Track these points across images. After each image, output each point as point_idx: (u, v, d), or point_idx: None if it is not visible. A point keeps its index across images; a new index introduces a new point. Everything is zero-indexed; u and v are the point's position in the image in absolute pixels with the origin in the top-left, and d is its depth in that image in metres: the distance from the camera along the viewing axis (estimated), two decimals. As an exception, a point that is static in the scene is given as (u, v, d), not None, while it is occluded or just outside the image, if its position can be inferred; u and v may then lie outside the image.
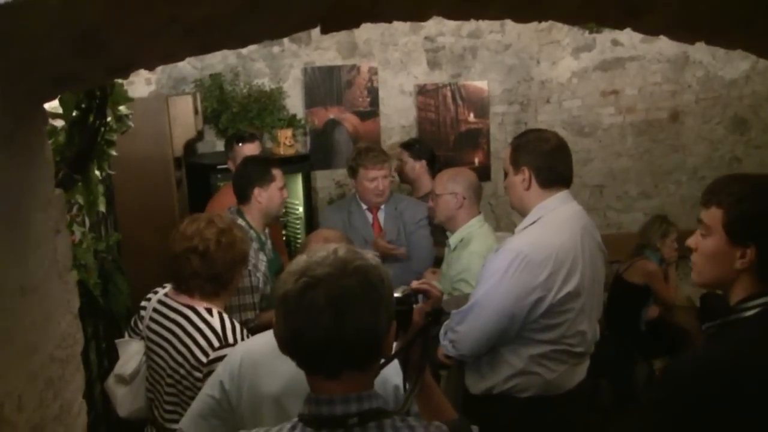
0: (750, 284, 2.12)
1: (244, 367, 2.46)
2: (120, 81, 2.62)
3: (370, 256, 1.79)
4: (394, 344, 2.00)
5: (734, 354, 2.05)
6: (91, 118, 2.48)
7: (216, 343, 2.85)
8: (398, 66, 6.83)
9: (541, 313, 3.07)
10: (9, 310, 1.75)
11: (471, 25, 6.72)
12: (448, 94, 6.92)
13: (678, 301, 6.26)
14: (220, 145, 6.16)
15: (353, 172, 4.96)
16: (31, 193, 1.92)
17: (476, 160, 7.03)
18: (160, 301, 3.11)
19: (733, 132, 7.38)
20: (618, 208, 7.41)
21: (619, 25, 2.18)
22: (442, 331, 3.25)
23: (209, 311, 2.96)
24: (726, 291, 2.19)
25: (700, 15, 1.96)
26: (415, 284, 2.25)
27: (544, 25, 6.80)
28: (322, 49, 6.64)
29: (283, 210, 4.86)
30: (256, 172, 4.24)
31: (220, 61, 6.36)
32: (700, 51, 7.08)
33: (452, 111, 6.95)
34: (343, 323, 1.65)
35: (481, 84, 6.95)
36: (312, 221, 6.18)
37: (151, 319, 3.09)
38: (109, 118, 2.59)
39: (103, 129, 2.55)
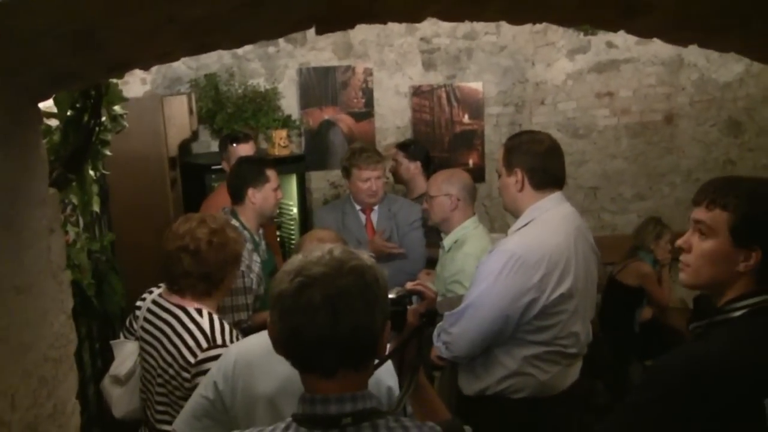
0: (744, 286, 2.12)
1: (238, 368, 2.45)
2: (115, 81, 2.61)
3: (366, 256, 1.79)
4: (388, 345, 2.00)
5: (722, 352, 2.05)
6: (86, 118, 2.48)
7: (204, 344, 2.85)
8: (393, 67, 6.83)
9: (535, 315, 3.07)
10: (3, 309, 1.75)
11: (466, 26, 6.73)
12: (443, 95, 6.93)
13: (671, 302, 6.27)
14: (214, 146, 6.15)
15: (347, 173, 4.96)
16: (26, 192, 1.92)
17: (471, 162, 7.04)
18: (153, 301, 3.11)
19: (727, 134, 7.40)
20: (612, 209, 7.43)
21: (613, 28, 2.19)
22: (435, 333, 3.25)
23: (199, 312, 2.97)
24: (718, 292, 2.19)
25: (693, 18, 1.97)
26: (409, 285, 2.26)
27: (539, 27, 6.82)
28: (318, 49, 6.65)
29: (278, 211, 4.86)
30: (250, 173, 4.24)
31: (215, 61, 6.36)
32: (694, 53, 7.11)
33: (447, 112, 6.96)
34: (339, 322, 1.65)
35: (476, 85, 6.96)
36: (306, 222, 6.18)
37: (145, 319, 3.09)
38: (103, 118, 2.59)
39: (97, 129, 2.55)
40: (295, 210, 6.23)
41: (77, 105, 2.45)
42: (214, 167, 5.50)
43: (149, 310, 3.09)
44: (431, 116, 6.95)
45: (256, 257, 4.12)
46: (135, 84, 6.14)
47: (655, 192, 7.44)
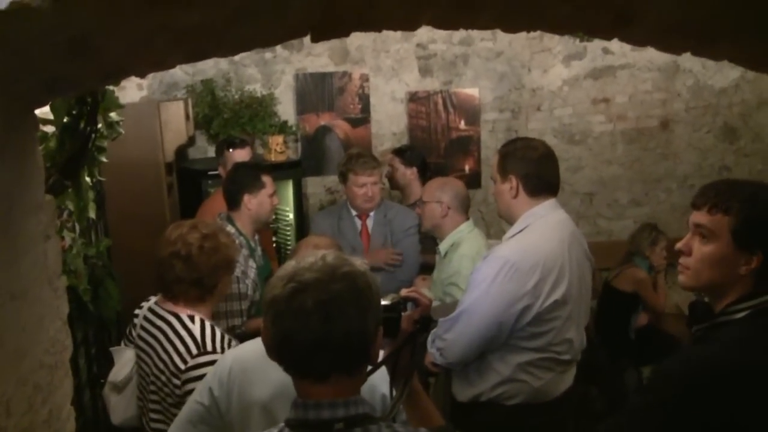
0: (744, 288, 2.15)
1: (233, 374, 2.46)
2: (111, 87, 2.62)
3: (359, 262, 1.80)
4: (382, 351, 2.01)
5: (726, 353, 2.07)
6: (82, 124, 2.49)
7: (194, 351, 2.86)
8: (390, 73, 6.85)
9: (529, 321, 3.08)
10: (-2, 316, 1.75)
11: (462, 32, 6.74)
12: (440, 101, 6.94)
13: (667, 308, 6.28)
14: (211, 151, 6.16)
15: (343, 178, 4.97)
16: (22, 198, 1.92)
17: (467, 167, 7.05)
18: (149, 309, 3.12)
19: (722, 140, 7.41)
20: (608, 215, 7.44)
21: (607, 36, 2.20)
22: (429, 339, 3.26)
23: (191, 318, 2.97)
24: (717, 294, 2.21)
25: (686, 26, 1.98)
26: (404, 292, 2.27)
27: (535, 33, 6.80)
28: (314, 55, 6.66)
29: (274, 216, 4.86)
30: (246, 179, 4.24)
31: (211, 66, 6.37)
32: (690, 60, 7.11)
33: (443, 118, 6.97)
34: (332, 327, 1.66)
35: (472, 91, 6.97)
36: (303, 228, 6.18)
37: (141, 326, 3.10)
38: (100, 125, 2.60)
39: (93, 135, 2.56)
40: (291, 216, 6.23)
41: (73, 112, 2.46)
42: (210, 173, 5.51)
43: (145, 318, 3.10)
44: (427, 122, 6.95)
45: (251, 263, 4.12)
46: (131, 89, 6.14)
47: (651, 198, 7.45)
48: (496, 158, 3.31)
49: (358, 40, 6.64)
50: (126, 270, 4.21)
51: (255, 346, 2.42)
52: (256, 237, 4.37)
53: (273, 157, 6.14)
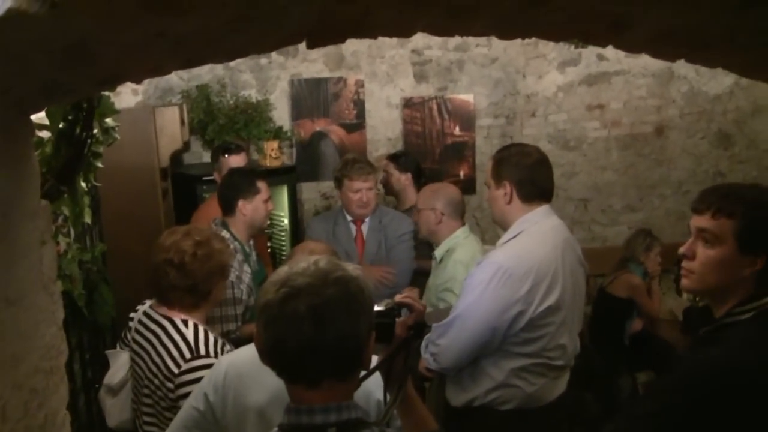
0: (747, 290, 2.18)
1: (228, 379, 2.46)
2: (107, 93, 2.63)
3: (351, 267, 1.81)
4: (376, 357, 2.02)
5: (741, 353, 2.10)
6: (78, 130, 2.49)
7: (188, 355, 2.87)
8: (385, 79, 6.86)
9: (522, 327, 3.09)
10: (-6, 321, 1.76)
11: (458, 38, 6.76)
12: (435, 107, 6.95)
13: (661, 314, 6.29)
14: (206, 156, 6.16)
15: (339, 183, 4.98)
16: (18, 204, 1.92)
17: (461, 173, 7.06)
18: (144, 313, 3.13)
19: (717, 147, 7.44)
20: (603, 221, 7.45)
21: (602, 43, 2.21)
22: (423, 344, 3.26)
23: (185, 323, 2.98)
24: (720, 297, 2.24)
25: (680, 33, 1.99)
26: (398, 298, 2.28)
27: (530, 39, 6.83)
28: (309, 61, 6.66)
29: (268, 222, 4.86)
30: (241, 184, 4.25)
31: (207, 72, 6.37)
32: (684, 66, 7.13)
33: (438, 124, 6.98)
34: (324, 331, 1.67)
35: (468, 97, 6.98)
36: (298, 233, 6.19)
37: (136, 330, 3.11)
38: (95, 130, 2.61)
39: (89, 141, 2.56)
40: (286, 221, 6.23)
41: (69, 117, 2.47)
42: (205, 178, 5.51)
43: (140, 321, 3.11)
44: (422, 128, 6.96)
45: (246, 268, 4.13)
46: (127, 95, 6.15)
47: (646, 204, 7.47)
48: (491, 164, 3.33)
49: (353, 45, 6.65)
50: (121, 275, 4.21)
51: (250, 351, 2.42)
52: (251, 242, 4.37)
53: (268, 163, 6.14)
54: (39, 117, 2.29)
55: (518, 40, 6.88)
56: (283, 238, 6.27)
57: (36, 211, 2.06)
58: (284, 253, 6.09)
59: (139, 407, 3.09)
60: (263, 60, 6.57)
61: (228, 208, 4.24)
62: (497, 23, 2.05)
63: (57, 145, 2.48)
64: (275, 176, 5.72)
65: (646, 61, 7.05)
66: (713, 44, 2.07)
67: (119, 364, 3.29)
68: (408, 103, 6.92)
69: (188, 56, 1.92)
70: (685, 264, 2.28)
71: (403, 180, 5.60)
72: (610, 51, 7.02)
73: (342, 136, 6.80)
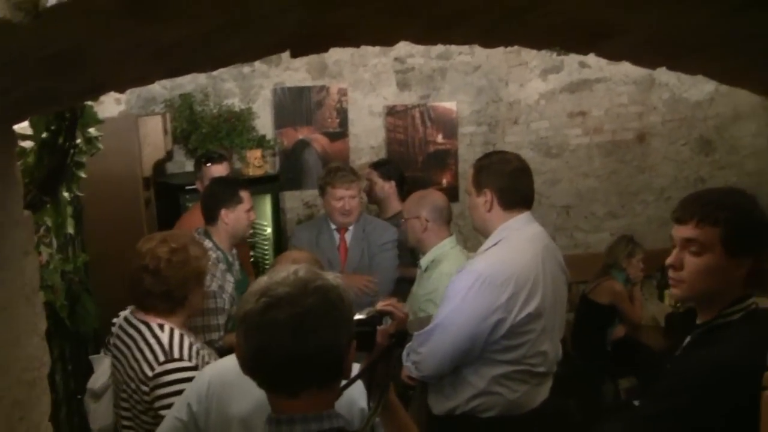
0: (735, 292, 2.22)
1: (212, 389, 2.45)
2: (90, 103, 2.62)
3: (331, 276, 1.81)
4: (358, 365, 2.02)
5: (738, 351, 2.13)
6: (61, 140, 2.49)
7: (162, 358, 2.87)
8: (368, 87, 6.86)
9: (503, 334, 3.09)
10: (-24, 332, 1.74)
11: (440, 46, 6.77)
12: (417, 115, 6.96)
13: (644, 320, 6.31)
14: (189, 165, 6.14)
15: (322, 191, 4.98)
16: (0, 214, 1.92)
17: (444, 181, 7.07)
18: (125, 318, 3.13)
19: (698, 153, 7.49)
20: (585, 228, 7.48)
21: (583, 51, 2.22)
22: (405, 353, 3.26)
23: (161, 327, 2.99)
24: (710, 302, 2.27)
25: (660, 42, 2.01)
26: (380, 306, 2.27)
27: (512, 47, 6.87)
28: (292, 69, 6.66)
29: (251, 231, 4.86)
30: (223, 194, 4.25)
31: (190, 81, 6.35)
32: (666, 73, 7.17)
33: (421, 132, 6.99)
34: (304, 341, 1.67)
35: (450, 105, 7.00)
36: (280, 242, 6.18)
37: (116, 335, 3.11)
38: (78, 140, 2.60)
39: (72, 151, 2.56)
40: (269, 230, 6.23)
41: (52, 127, 2.46)
42: (188, 187, 5.50)
43: (120, 327, 3.12)
44: (405, 136, 6.97)
45: (229, 277, 4.13)
46: (110, 104, 6.11)
47: (628, 210, 7.51)
48: (471, 172, 3.33)
49: (336, 54, 6.65)
50: (103, 285, 4.19)
51: (234, 360, 2.40)
52: (234, 251, 4.36)
53: (251, 172, 6.13)
54: (22, 127, 2.28)
55: (501, 48, 6.90)
56: (266, 247, 6.26)
57: (18, 222, 2.05)
58: (267, 262, 6.08)
59: (118, 411, 3.09)
60: (246, 68, 6.56)
61: (210, 217, 4.24)
62: (479, 33, 2.06)
63: (40, 155, 2.48)
64: (258, 185, 5.71)
65: (627, 69, 7.08)
66: (694, 52, 2.08)
67: (102, 368, 3.30)
68: (391, 111, 6.93)
69: (173, 65, 1.92)
70: (673, 274, 2.30)
71: (386, 188, 5.60)
72: (591, 59, 7.04)
73: (325, 144, 6.80)
